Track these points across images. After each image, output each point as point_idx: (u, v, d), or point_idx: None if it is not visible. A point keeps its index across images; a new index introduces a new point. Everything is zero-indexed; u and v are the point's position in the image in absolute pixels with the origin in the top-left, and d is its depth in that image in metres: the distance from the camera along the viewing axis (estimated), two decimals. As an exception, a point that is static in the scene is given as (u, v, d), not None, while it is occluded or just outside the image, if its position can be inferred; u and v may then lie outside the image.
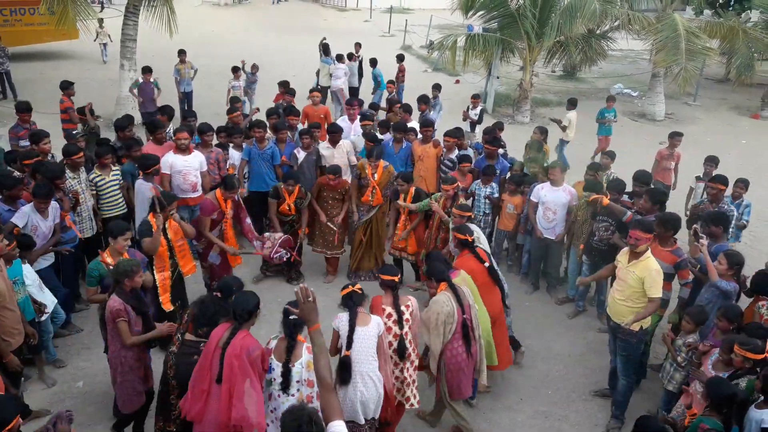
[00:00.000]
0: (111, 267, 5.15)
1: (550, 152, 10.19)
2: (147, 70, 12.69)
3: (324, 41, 16.32)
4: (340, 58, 15.36)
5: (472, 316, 5.14)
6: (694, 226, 5.87)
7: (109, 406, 5.52)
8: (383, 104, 12.26)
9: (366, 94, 15.40)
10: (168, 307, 6.03)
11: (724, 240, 6.12)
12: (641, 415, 4.02)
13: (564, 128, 11.92)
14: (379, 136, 8.73)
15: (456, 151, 8.36)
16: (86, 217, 6.89)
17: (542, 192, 7.52)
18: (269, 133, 8.57)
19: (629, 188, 7.32)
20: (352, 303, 4.66)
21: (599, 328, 7.27)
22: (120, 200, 7.30)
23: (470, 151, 8.66)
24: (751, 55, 16.51)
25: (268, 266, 7.97)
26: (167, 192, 6.33)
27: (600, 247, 6.97)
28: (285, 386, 4.26)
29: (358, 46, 16.90)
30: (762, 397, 4.18)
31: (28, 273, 5.58)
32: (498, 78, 17.20)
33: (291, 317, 4.20)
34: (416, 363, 5.12)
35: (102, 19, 18.23)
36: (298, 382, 4.27)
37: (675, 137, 9.57)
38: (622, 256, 5.55)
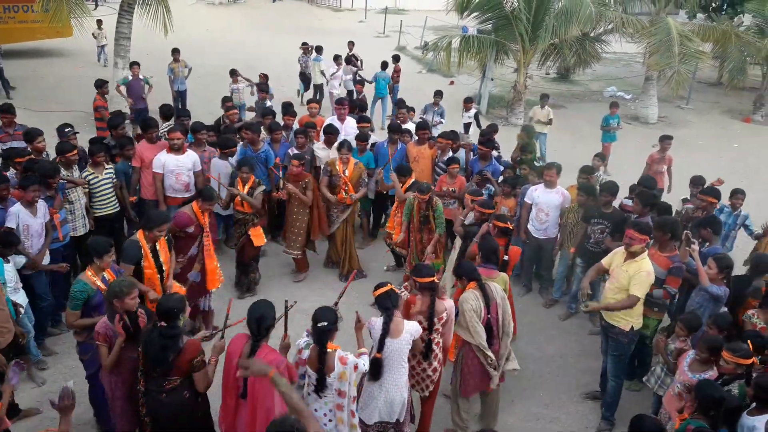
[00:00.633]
0: (100, 288, 4.87)
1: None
2: (134, 65, 12.49)
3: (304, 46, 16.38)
4: (337, 59, 15.29)
5: (500, 315, 5.16)
6: (686, 231, 5.89)
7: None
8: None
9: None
10: None
11: (716, 243, 6.16)
12: (636, 415, 4.02)
13: (546, 124, 12.56)
14: (373, 138, 8.78)
15: (450, 153, 8.40)
16: (79, 215, 6.85)
17: (535, 194, 7.54)
18: (264, 134, 8.55)
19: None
20: (390, 304, 4.53)
21: (591, 330, 7.30)
22: (113, 199, 7.26)
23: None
24: (743, 59, 16.64)
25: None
26: (158, 211, 5.88)
27: (595, 249, 6.98)
28: (319, 389, 4.21)
29: (351, 44, 16.83)
30: (754, 404, 4.20)
31: (9, 273, 5.48)
32: (492, 80, 17.25)
33: (320, 324, 4.10)
34: (436, 365, 5.03)
35: (101, 20, 17.98)
36: (331, 393, 4.23)
37: (665, 141, 9.61)
38: (617, 256, 5.57)
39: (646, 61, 18.16)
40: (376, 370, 4.48)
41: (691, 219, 6.74)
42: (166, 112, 9.07)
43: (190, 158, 7.59)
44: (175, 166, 7.46)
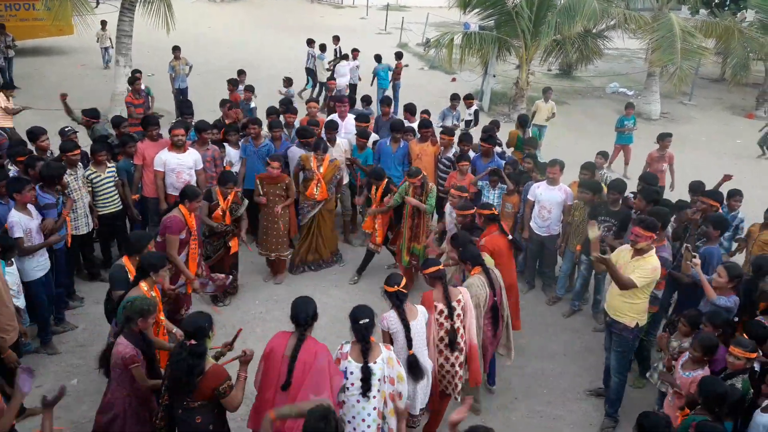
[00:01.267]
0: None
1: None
2: (136, 72, 12.06)
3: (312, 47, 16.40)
4: (344, 56, 15.47)
5: (503, 298, 5.24)
6: (686, 245, 5.83)
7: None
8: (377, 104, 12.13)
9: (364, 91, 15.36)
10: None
11: (715, 243, 6.10)
12: (642, 412, 4.02)
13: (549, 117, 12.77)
14: (374, 137, 8.79)
15: (453, 149, 8.39)
16: (82, 213, 6.86)
17: (538, 191, 7.53)
18: (265, 131, 8.55)
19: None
20: (399, 301, 4.64)
21: (595, 327, 7.30)
22: (115, 197, 7.28)
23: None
24: (746, 55, 16.57)
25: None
26: (156, 253, 5.36)
27: (601, 247, 6.95)
28: (365, 390, 4.20)
29: (336, 39, 16.76)
30: (767, 401, 4.19)
31: (11, 277, 5.44)
32: (494, 76, 17.22)
33: (361, 321, 4.22)
34: (462, 359, 5.03)
35: (105, 21, 17.69)
36: (380, 380, 4.25)
37: (665, 138, 9.56)
38: (623, 252, 5.55)
39: (648, 58, 18.08)
40: (416, 368, 4.53)
41: (690, 221, 6.63)
42: (115, 121, 8.67)
43: (191, 156, 7.56)
44: (177, 164, 7.44)
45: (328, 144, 8.34)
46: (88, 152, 7.31)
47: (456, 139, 8.59)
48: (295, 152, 8.18)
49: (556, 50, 16.12)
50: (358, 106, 11.79)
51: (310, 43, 16.29)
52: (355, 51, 15.89)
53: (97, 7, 22.09)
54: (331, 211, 8.10)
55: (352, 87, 15.38)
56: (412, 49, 24.31)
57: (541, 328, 7.31)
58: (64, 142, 7.05)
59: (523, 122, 10.51)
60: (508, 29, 14.77)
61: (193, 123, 8.36)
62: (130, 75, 12.70)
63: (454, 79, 19.73)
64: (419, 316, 4.70)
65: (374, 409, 4.24)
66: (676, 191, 9.15)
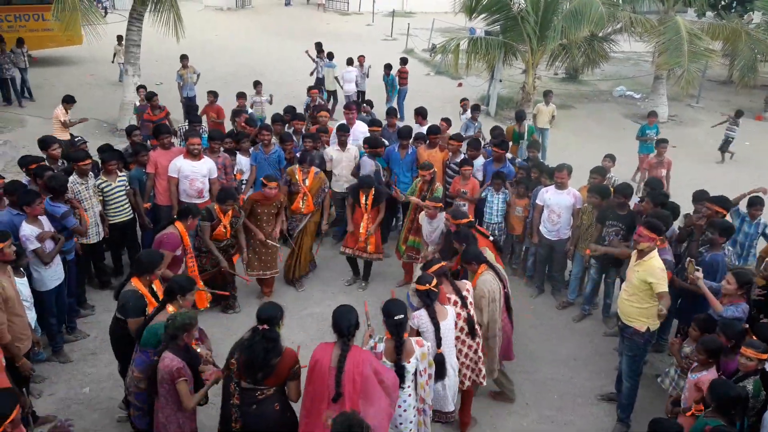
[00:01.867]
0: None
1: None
2: (141, 88, 12.21)
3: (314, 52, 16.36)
4: (350, 62, 15.55)
5: (508, 288, 5.57)
6: (690, 258, 5.78)
7: (114, 411, 5.56)
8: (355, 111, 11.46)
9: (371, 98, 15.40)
10: None
11: (720, 250, 6.01)
12: (654, 418, 4.01)
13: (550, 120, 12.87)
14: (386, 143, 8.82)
15: (461, 155, 8.42)
16: (93, 222, 6.90)
17: (547, 195, 7.53)
18: (274, 138, 8.60)
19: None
20: (429, 300, 4.72)
21: (605, 331, 7.27)
22: (126, 206, 7.35)
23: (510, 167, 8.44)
24: (753, 57, 16.50)
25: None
26: (183, 276, 5.37)
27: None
28: (399, 382, 4.33)
29: (318, 45, 16.49)
30: None
31: (22, 288, 5.42)
32: (501, 81, 17.23)
33: (396, 317, 4.28)
34: (482, 342, 5.23)
35: (121, 36, 16.71)
36: (414, 375, 4.42)
37: (661, 145, 9.54)
38: (633, 255, 5.54)
39: (655, 60, 18.05)
40: (441, 366, 4.64)
41: (694, 226, 6.52)
42: (127, 130, 8.74)
43: (206, 165, 7.62)
44: (191, 172, 7.51)
45: (340, 149, 8.39)
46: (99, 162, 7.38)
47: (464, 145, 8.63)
48: (366, 162, 8.34)
49: (562, 54, 16.10)
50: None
51: (320, 51, 16.13)
52: (361, 57, 15.96)
53: (105, 16, 22.25)
54: (317, 223, 8.01)
55: (361, 94, 15.42)
56: (418, 54, 24.37)
57: (552, 333, 7.28)
58: (74, 152, 7.11)
59: (519, 117, 10.99)
60: (514, 34, 14.77)
61: (201, 131, 8.44)
62: (138, 84, 12.85)
63: (460, 84, 19.75)
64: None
65: (409, 396, 4.42)
66: (673, 198, 9.15)
